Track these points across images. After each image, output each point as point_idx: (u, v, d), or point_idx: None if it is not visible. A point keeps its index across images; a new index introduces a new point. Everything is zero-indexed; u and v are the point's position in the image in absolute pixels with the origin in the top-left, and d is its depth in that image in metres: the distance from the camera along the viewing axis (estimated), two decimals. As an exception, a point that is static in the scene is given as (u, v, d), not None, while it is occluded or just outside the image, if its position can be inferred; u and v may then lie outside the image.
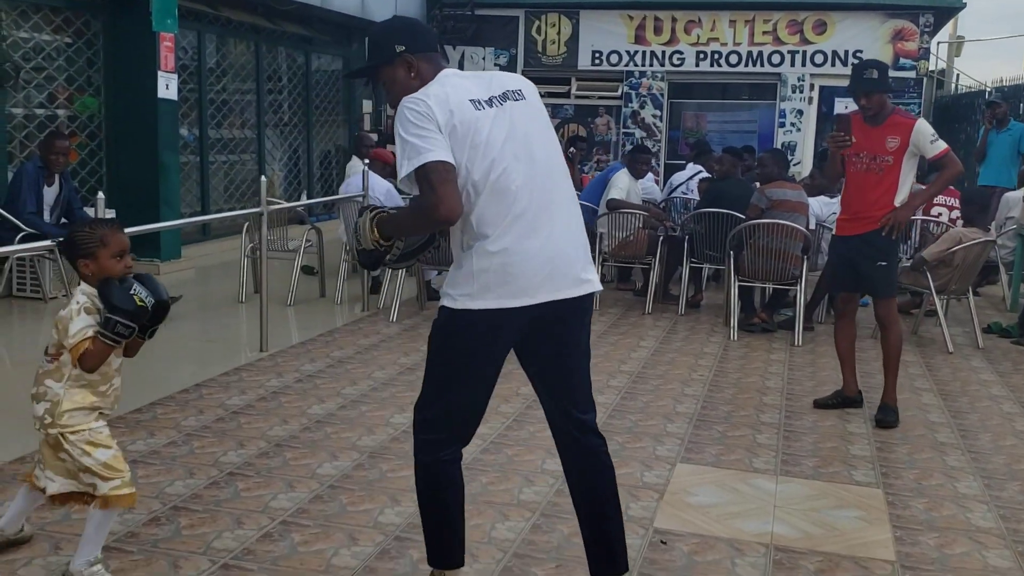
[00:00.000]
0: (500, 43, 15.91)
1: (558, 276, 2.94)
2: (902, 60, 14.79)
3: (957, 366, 7.05)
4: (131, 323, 3.06)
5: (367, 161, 7.96)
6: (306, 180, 13.65)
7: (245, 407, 5.34)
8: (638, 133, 15.49)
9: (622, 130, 15.64)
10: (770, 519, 4.12)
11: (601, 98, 15.82)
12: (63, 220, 7.63)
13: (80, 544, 3.22)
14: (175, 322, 7.35)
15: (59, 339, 3.11)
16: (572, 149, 11.93)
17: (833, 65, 14.99)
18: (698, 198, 9.94)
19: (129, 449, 4.56)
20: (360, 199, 7.91)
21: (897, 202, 5.55)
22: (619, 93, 15.60)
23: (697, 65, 15.32)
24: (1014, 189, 10.77)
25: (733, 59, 15.21)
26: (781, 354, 7.21)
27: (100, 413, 3.20)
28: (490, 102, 2.92)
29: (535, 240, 2.90)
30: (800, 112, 15.22)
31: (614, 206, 8.75)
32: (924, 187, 6.27)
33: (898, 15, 14.72)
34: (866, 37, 14.80)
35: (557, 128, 16.05)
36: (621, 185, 9.05)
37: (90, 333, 3.07)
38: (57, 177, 7.56)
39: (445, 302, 2.94)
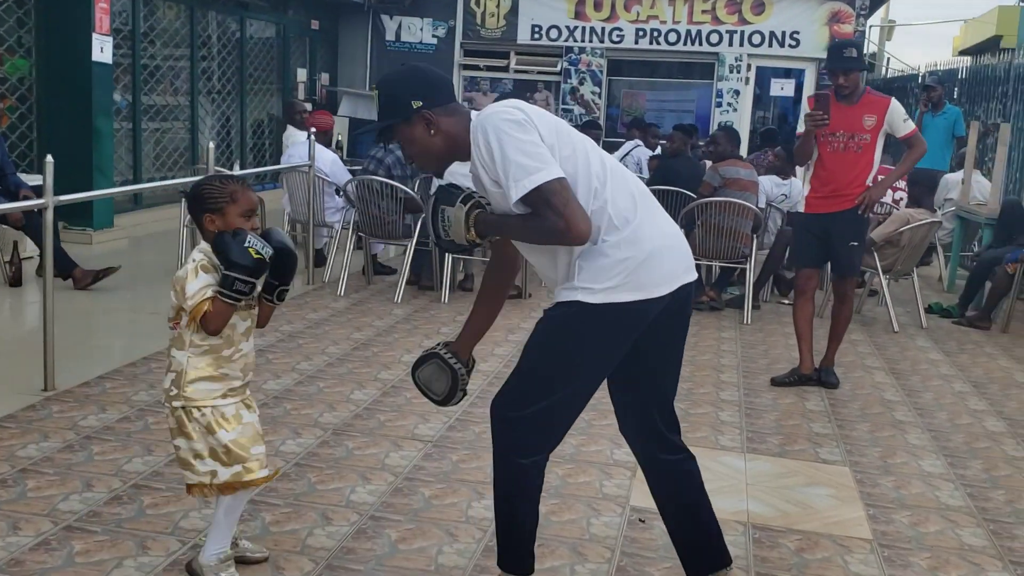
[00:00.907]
0: (439, 14, 15.68)
1: (687, 259, 2.83)
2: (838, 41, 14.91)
3: (904, 345, 7.13)
4: (250, 278, 2.81)
5: (313, 130, 7.76)
6: (239, 149, 13.32)
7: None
8: (577, 110, 15.41)
9: (561, 107, 15.53)
10: (744, 497, 4.09)
11: (540, 73, 15.70)
12: (-5, 186, 7.30)
13: (209, 531, 2.97)
14: (116, 292, 7.13)
15: (178, 302, 2.86)
16: None
17: (770, 46, 15.07)
18: (639, 174, 9.93)
19: (81, 424, 4.38)
20: (305, 169, 7.72)
21: (869, 180, 5.64)
22: (558, 69, 15.51)
23: (636, 43, 15.29)
24: (948, 172, 10.95)
25: (672, 37, 15.20)
26: (732, 332, 7.23)
27: (229, 389, 2.93)
28: None
29: (668, 223, 2.80)
30: (737, 92, 15.28)
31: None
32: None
33: (835, -3, 14.86)
34: (803, 19, 14.89)
35: (496, 102, 15.87)
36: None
37: (209, 293, 2.82)
38: (-12, 140, 7.24)
39: (580, 296, 2.70)
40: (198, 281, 2.83)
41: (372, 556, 3.33)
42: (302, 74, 14.96)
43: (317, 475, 4.00)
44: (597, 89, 15.45)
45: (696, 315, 7.70)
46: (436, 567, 3.30)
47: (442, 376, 3.06)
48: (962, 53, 18.49)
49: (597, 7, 15.25)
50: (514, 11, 15.44)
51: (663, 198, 8.23)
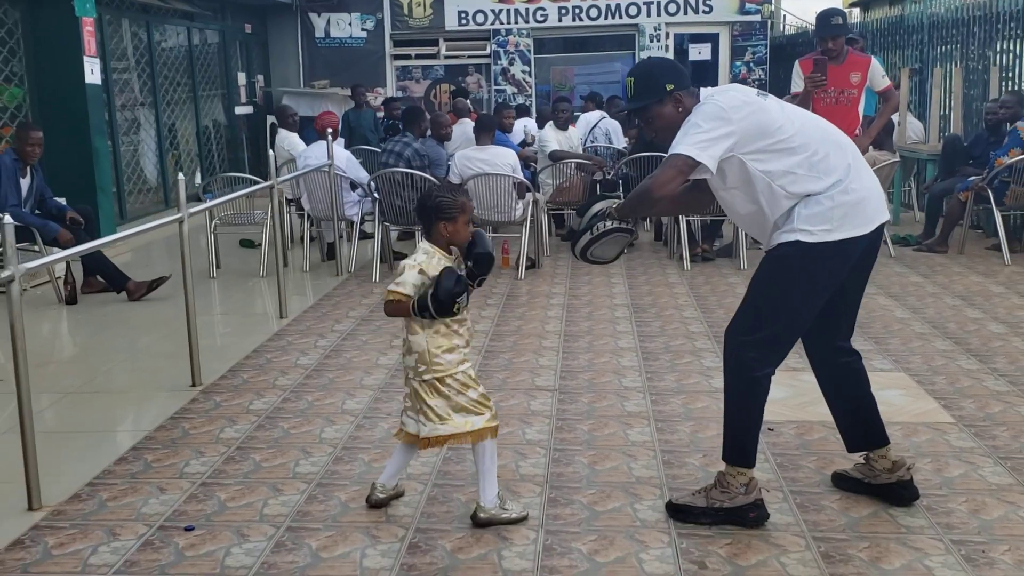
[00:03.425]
0: (365, 8, 16.15)
1: (883, 202, 3.50)
2: (748, 5, 15.91)
3: (885, 272, 8.02)
4: (436, 316, 3.38)
5: (330, 131, 8.25)
6: (197, 157, 13.63)
7: (318, 366, 5.68)
8: (510, 89, 16.08)
9: (494, 87, 16.18)
10: (837, 403, 4.85)
11: (471, 57, 16.30)
12: (36, 212, 7.64)
13: (482, 480, 3.53)
14: (167, 301, 7.51)
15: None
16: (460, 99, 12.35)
17: (685, 14, 15.97)
18: (608, 144, 10.69)
19: (253, 409, 4.91)
20: (326, 169, 8.23)
21: (857, 130, 6.53)
22: (488, 51, 16.13)
23: (560, 20, 16.01)
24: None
25: (593, 13, 15.98)
26: (735, 277, 8.03)
27: (464, 356, 3.52)
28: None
29: (868, 172, 3.46)
30: (658, 59, 16.11)
31: (558, 157, 9.34)
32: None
33: (741, -39, 15.82)
34: (714, -16, 15.84)
35: (429, 88, 16.46)
36: (550, 138, 9.63)
37: (405, 291, 3.40)
38: (28, 168, 7.56)
39: (800, 237, 3.31)
40: (407, 275, 3.45)
41: (580, 519, 3.64)
42: (242, 78, 15.28)
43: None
44: (527, 68, 16.14)
45: (696, 265, 8.50)
46: (640, 522, 3.65)
47: (618, 244, 3.69)
48: (852, 5, 19.69)
49: (519, -11, 15.91)
50: (439, -1, 16.01)
51: (649, 163, 8.98)
